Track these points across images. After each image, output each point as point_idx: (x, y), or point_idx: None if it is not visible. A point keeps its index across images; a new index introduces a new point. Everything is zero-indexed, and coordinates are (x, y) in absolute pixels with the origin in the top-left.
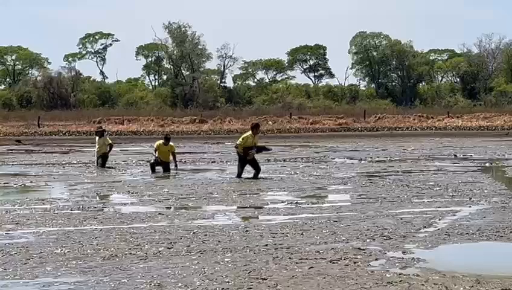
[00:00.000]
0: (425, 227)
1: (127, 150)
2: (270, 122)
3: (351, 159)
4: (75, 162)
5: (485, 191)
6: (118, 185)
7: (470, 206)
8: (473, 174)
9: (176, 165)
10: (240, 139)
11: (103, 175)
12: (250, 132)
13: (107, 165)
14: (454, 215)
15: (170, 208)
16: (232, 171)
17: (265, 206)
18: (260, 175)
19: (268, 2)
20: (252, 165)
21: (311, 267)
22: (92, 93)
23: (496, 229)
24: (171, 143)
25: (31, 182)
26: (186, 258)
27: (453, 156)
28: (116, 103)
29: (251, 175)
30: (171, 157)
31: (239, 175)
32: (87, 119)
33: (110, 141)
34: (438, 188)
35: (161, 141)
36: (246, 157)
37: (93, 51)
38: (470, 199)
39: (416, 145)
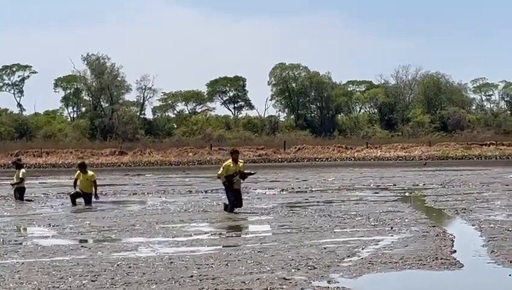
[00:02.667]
0: (349, 256)
1: (46, 183)
2: (190, 154)
3: (272, 189)
4: None
5: (406, 220)
6: (39, 218)
7: (392, 235)
8: (394, 203)
9: (96, 195)
10: (221, 168)
11: (22, 208)
12: (230, 160)
13: (26, 197)
14: (377, 244)
15: (92, 240)
16: (152, 203)
17: (188, 238)
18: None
19: (188, 34)
20: (235, 196)
21: None
22: (9, 126)
23: (419, 257)
24: (90, 172)
25: None
26: None
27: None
28: (34, 136)
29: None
30: (92, 189)
31: (232, 206)
32: (4, 152)
33: (21, 175)
34: (359, 218)
35: (79, 172)
36: (232, 185)
37: (10, 82)
38: (392, 228)
39: (336, 176)
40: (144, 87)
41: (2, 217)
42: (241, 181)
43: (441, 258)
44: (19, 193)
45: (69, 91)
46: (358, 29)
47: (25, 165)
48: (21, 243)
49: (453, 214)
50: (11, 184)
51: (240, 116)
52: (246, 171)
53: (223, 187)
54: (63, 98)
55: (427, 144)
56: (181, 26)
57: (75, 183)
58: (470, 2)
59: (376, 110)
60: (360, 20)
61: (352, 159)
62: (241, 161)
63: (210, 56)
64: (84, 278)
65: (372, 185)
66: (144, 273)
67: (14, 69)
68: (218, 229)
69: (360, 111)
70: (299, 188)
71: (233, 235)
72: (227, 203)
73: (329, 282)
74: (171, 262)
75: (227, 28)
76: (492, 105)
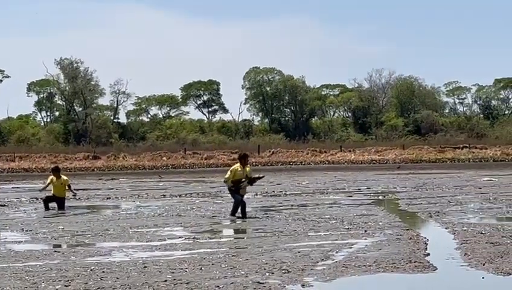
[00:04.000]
0: (323, 260)
1: (19, 187)
2: (164, 158)
3: (247, 193)
4: None
5: (380, 223)
6: (11, 223)
7: (366, 239)
8: (367, 207)
9: (74, 194)
10: (228, 172)
11: None
12: (238, 164)
13: None
14: (351, 247)
15: (66, 245)
16: (126, 207)
17: (162, 242)
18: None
19: (161, 38)
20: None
21: None
22: None
23: (392, 260)
24: (63, 177)
25: None
26: None
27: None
28: (7, 140)
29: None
30: (66, 193)
31: (236, 206)
32: None
33: None
34: (333, 221)
35: (51, 176)
36: (239, 191)
37: None
38: (366, 231)
39: (311, 179)
40: (117, 91)
41: None
42: (250, 186)
43: (415, 261)
44: None
45: (42, 95)
46: (332, 33)
47: None
48: None
49: (426, 217)
50: None
51: (214, 120)
52: (254, 175)
53: (229, 192)
54: (36, 103)
55: (400, 147)
56: (155, 30)
57: (47, 186)
58: (443, 6)
59: (350, 114)
60: (334, 24)
61: (326, 162)
62: (248, 165)
63: (184, 60)
64: (58, 283)
65: (346, 189)
66: (117, 278)
67: None
68: (192, 233)
69: (334, 115)
70: (273, 191)
71: (208, 239)
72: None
73: (303, 286)
74: (145, 267)
75: (201, 31)
76: (465, 108)
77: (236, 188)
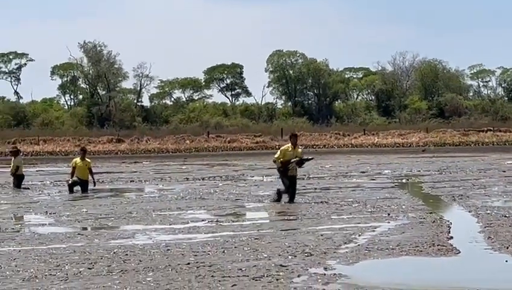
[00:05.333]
0: (345, 243)
1: (43, 171)
2: (187, 141)
3: (270, 176)
4: None
5: (403, 206)
6: (35, 206)
7: (389, 222)
8: (391, 190)
9: (94, 183)
10: (278, 152)
11: (19, 196)
12: (289, 144)
13: (23, 185)
14: (374, 231)
15: (89, 228)
16: (149, 190)
17: (185, 225)
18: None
19: (185, 21)
20: (291, 184)
21: (234, 284)
22: (6, 114)
23: (415, 244)
24: (87, 159)
25: None
26: (108, 278)
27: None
28: (31, 124)
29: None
30: (89, 177)
31: (286, 190)
32: (0, 140)
33: (17, 164)
34: (356, 205)
35: (77, 158)
36: (287, 172)
37: (7, 70)
38: (389, 214)
39: (334, 163)
40: (140, 74)
41: None
42: (298, 168)
43: (438, 245)
44: (18, 180)
45: (66, 79)
46: (356, 16)
47: (21, 153)
48: (18, 231)
49: (450, 200)
50: (16, 174)
51: (237, 103)
52: (303, 157)
53: (278, 173)
54: (60, 86)
55: (424, 130)
56: (178, 13)
57: (72, 172)
58: None
59: (373, 97)
60: (357, 6)
61: (350, 146)
62: (299, 146)
63: (207, 43)
64: (81, 265)
65: (369, 172)
66: (140, 261)
67: (11, 57)
68: (215, 216)
69: (357, 98)
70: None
71: (231, 222)
72: (281, 189)
73: (325, 269)
74: (168, 249)
75: (224, 14)
76: (489, 91)
77: (285, 169)
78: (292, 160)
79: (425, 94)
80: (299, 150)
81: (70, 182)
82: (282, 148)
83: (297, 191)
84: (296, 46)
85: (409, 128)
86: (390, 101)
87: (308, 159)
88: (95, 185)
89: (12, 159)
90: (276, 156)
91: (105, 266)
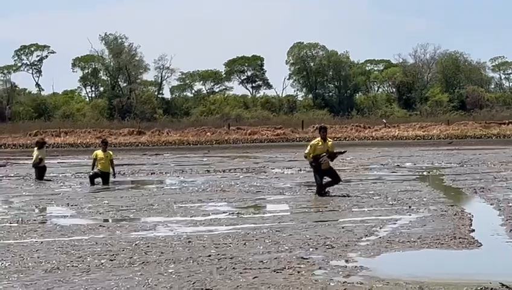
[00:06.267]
0: (366, 236)
1: (65, 163)
2: (208, 134)
3: (290, 169)
4: (12, 175)
5: (424, 199)
6: (57, 198)
7: (410, 215)
8: (412, 183)
9: (114, 174)
10: (308, 147)
11: (41, 188)
12: (318, 138)
13: (45, 177)
14: (395, 223)
15: (111, 220)
16: (170, 182)
17: (206, 217)
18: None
19: (205, 13)
20: (329, 175)
21: (256, 277)
22: (27, 106)
23: (437, 237)
24: (109, 151)
25: None
26: (129, 270)
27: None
28: (52, 115)
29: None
30: (110, 169)
31: (319, 188)
32: (22, 131)
33: (41, 156)
34: (377, 197)
35: (99, 150)
36: (320, 166)
37: (28, 63)
38: (410, 207)
39: (355, 155)
40: (161, 66)
41: (21, 197)
42: (330, 161)
43: (459, 238)
44: (40, 172)
45: (87, 71)
46: (377, 8)
47: (45, 145)
48: (40, 223)
49: (471, 193)
50: (32, 165)
51: (258, 95)
52: (335, 150)
53: (310, 167)
54: (81, 78)
55: (445, 123)
56: (199, 5)
57: (93, 164)
58: None
59: (394, 90)
60: None
61: (370, 138)
62: (329, 139)
63: (228, 35)
64: (103, 257)
65: (390, 164)
66: (162, 253)
67: (32, 49)
68: (236, 208)
69: (378, 90)
70: None
71: (252, 214)
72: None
73: (347, 261)
74: (189, 241)
75: (245, 7)
76: (511, 84)
77: (318, 163)
78: (323, 154)
79: (447, 86)
80: (330, 143)
81: (91, 174)
82: (312, 142)
83: (315, 183)
84: (317, 39)
85: (430, 121)
86: (411, 93)
87: (341, 153)
88: (114, 177)
89: (35, 149)
90: (306, 151)
91: (127, 258)
